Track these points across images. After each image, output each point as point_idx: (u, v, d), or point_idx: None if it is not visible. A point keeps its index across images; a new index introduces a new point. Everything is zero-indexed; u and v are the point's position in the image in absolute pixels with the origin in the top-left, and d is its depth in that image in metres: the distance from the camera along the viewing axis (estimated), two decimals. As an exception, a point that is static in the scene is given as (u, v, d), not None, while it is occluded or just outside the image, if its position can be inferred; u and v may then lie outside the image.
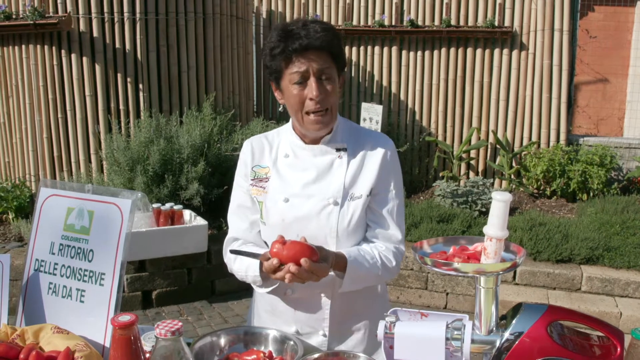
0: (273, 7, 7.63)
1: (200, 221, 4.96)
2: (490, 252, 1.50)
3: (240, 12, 6.59)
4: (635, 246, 4.90)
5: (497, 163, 7.19)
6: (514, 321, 1.52)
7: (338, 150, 1.86)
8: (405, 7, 7.31)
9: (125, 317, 1.64)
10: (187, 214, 5.08)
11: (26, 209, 5.70)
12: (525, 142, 7.11)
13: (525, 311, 1.54)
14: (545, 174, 6.61)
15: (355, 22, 7.43)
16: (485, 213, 5.95)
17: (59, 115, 5.62)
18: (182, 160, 5.31)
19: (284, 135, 1.94)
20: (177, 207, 4.92)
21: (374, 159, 1.86)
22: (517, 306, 1.59)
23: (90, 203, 1.89)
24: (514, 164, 7.12)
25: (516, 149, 7.13)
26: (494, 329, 1.55)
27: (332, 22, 7.50)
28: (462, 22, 7.15)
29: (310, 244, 1.64)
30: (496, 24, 6.96)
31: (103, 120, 5.63)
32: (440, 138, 7.36)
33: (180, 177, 5.30)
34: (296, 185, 1.85)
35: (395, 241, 1.87)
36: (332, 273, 1.74)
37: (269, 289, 1.84)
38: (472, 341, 1.52)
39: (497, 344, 1.51)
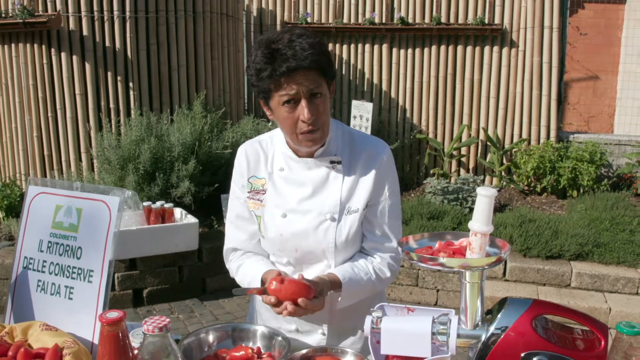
0: (264, 5, 7.63)
1: (191, 219, 4.96)
2: (475, 247, 1.52)
3: (230, 10, 6.59)
4: (624, 242, 4.93)
5: (487, 160, 7.22)
6: (499, 315, 1.54)
7: (332, 162, 1.84)
8: (395, 5, 7.31)
9: (113, 314, 1.65)
10: (178, 212, 5.08)
11: (17, 208, 5.68)
12: (515, 139, 7.14)
13: (510, 305, 1.55)
14: (536, 171, 6.64)
15: (345, 20, 7.43)
16: (475, 210, 5.96)
17: (49, 114, 5.61)
18: (172, 159, 5.31)
19: (278, 144, 1.91)
20: (167, 205, 4.92)
21: (370, 170, 1.84)
22: (503, 301, 1.61)
23: (78, 200, 1.90)
24: (504, 161, 7.15)
25: (507, 146, 7.16)
26: (480, 323, 1.56)
27: (323, 20, 7.51)
28: (452, 20, 7.17)
29: (306, 281, 1.67)
30: (486, 21, 6.97)
31: (93, 118, 5.61)
32: (431, 135, 7.38)
33: (171, 175, 5.30)
34: (293, 201, 1.85)
35: (390, 250, 1.89)
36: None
37: None
38: (458, 335, 1.54)
39: (483, 338, 1.53)
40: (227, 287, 5.19)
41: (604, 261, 4.82)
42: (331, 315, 1.88)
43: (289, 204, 1.85)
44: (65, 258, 1.87)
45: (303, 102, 1.70)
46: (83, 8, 5.41)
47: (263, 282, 1.79)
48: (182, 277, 4.99)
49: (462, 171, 7.34)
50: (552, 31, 6.88)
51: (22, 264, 1.95)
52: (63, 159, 5.69)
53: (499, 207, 6.21)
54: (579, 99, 10.07)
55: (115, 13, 5.51)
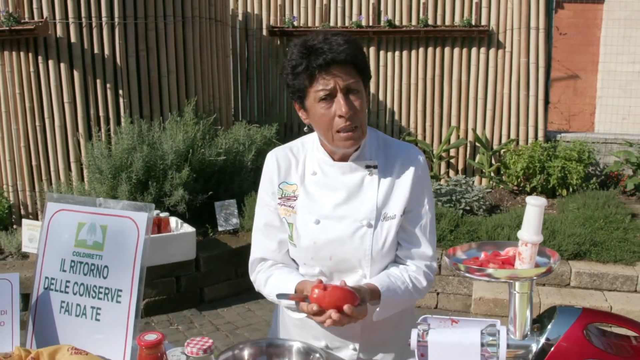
0: (249, 10, 7.57)
1: (188, 228, 4.89)
2: (525, 257, 1.50)
3: (219, 14, 6.52)
4: (619, 240, 4.98)
5: (476, 161, 7.24)
6: (549, 325, 1.52)
7: (368, 167, 1.79)
8: (382, 8, 7.31)
9: (152, 336, 1.60)
10: (174, 221, 5.00)
11: (5, 221, 5.55)
12: (504, 140, 7.18)
13: (560, 315, 1.54)
14: (525, 171, 6.68)
15: (332, 24, 7.41)
16: (469, 211, 5.98)
17: (37, 123, 5.48)
18: (165, 167, 5.23)
19: (310, 148, 1.88)
20: (163, 214, 4.84)
21: (406, 175, 1.80)
22: (551, 310, 1.59)
23: (102, 217, 1.83)
24: (493, 162, 7.18)
25: (495, 147, 7.19)
26: (529, 333, 1.54)
27: (309, 24, 7.48)
28: (439, 22, 7.18)
29: (350, 287, 1.61)
30: (473, 23, 7.00)
31: (83, 127, 5.50)
32: (419, 137, 7.39)
33: (165, 183, 5.22)
34: (327, 206, 1.79)
35: (426, 259, 1.83)
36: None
37: (306, 315, 1.80)
38: (508, 346, 1.51)
39: (534, 348, 1.51)
40: (225, 296, 5.14)
41: (601, 260, 4.85)
42: (363, 330, 1.83)
43: (323, 210, 1.79)
44: (90, 278, 1.81)
45: (340, 97, 1.66)
46: (71, 14, 5.30)
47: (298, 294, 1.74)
48: (180, 287, 4.91)
49: (451, 172, 7.35)
50: (538, 32, 6.93)
51: (43, 284, 1.87)
52: (52, 169, 5.57)
53: (490, 208, 6.23)
54: (560, 98, 10.18)
55: (104, 19, 5.41)
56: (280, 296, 1.68)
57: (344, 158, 1.80)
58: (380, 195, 1.79)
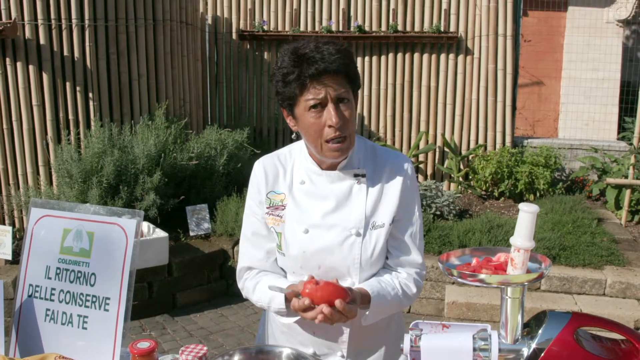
0: (219, 13, 7.53)
1: (160, 233, 4.84)
2: (517, 263, 1.52)
3: (189, 18, 6.47)
4: (588, 244, 5.09)
5: (445, 166, 7.33)
6: (540, 330, 1.55)
7: (356, 176, 1.80)
8: (352, 13, 7.35)
9: (145, 344, 1.58)
10: (145, 226, 4.95)
11: (-30, 226, 5.40)
12: (472, 145, 7.28)
13: (550, 319, 1.57)
14: (494, 176, 6.79)
15: (302, 28, 7.42)
16: (439, 216, 6.04)
17: (4, 126, 5.34)
18: (137, 171, 5.16)
19: (298, 157, 1.87)
20: (135, 219, 4.77)
21: (395, 183, 1.81)
22: (541, 314, 1.62)
23: (89, 224, 1.81)
24: (462, 167, 7.27)
25: (464, 152, 7.29)
26: (520, 338, 1.57)
27: (279, 28, 7.48)
28: (408, 28, 7.25)
29: (341, 285, 1.63)
30: (442, 29, 7.09)
31: (52, 130, 5.39)
32: (389, 142, 7.44)
33: (136, 187, 5.15)
34: (315, 215, 1.79)
35: (416, 266, 1.85)
36: None
37: (295, 319, 1.79)
38: (499, 351, 1.54)
39: (525, 353, 1.54)
40: (198, 301, 5.09)
41: (570, 264, 4.95)
42: (351, 336, 1.83)
43: (312, 219, 1.79)
44: (77, 285, 1.78)
45: (330, 106, 1.67)
46: (40, 16, 5.20)
47: (287, 298, 1.73)
48: (152, 293, 4.85)
49: (420, 177, 7.42)
50: (506, 39, 7.06)
51: (26, 291, 1.84)
52: (19, 172, 5.44)
53: (460, 213, 6.30)
54: (525, 103, 10.35)
55: (74, 21, 5.31)
56: (272, 288, 1.67)
57: (332, 167, 1.81)
58: (369, 203, 1.79)
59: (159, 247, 4.71)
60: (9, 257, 4.77)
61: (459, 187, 7.22)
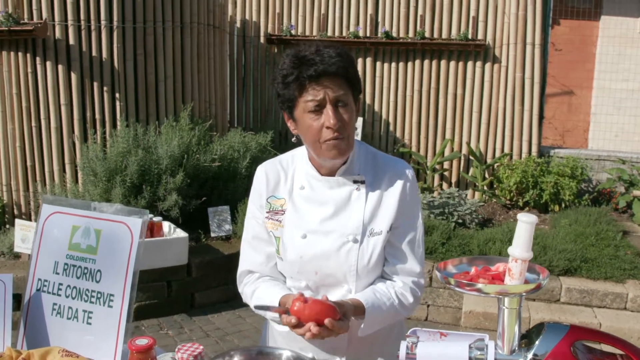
0: (247, 17, 7.60)
1: (181, 233, 4.90)
2: (515, 273, 1.51)
3: (217, 21, 6.55)
4: (610, 257, 5.00)
5: (470, 174, 7.27)
6: (537, 341, 1.53)
7: (356, 182, 1.79)
8: (379, 19, 7.35)
9: (143, 341, 1.61)
10: (167, 225, 5.01)
11: (-2, 220, 5.54)
12: (497, 154, 7.22)
13: (548, 331, 1.55)
14: (518, 185, 6.72)
15: (330, 33, 7.44)
16: (461, 224, 6.00)
17: (33, 124, 5.48)
18: (160, 171, 5.23)
19: (299, 162, 1.87)
20: (156, 219, 4.84)
21: (394, 191, 1.80)
22: (539, 326, 1.60)
23: (97, 221, 1.84)
24: (486, 175, 7.21)
25: (489, 161, 7.23)
26: (516, 348, 1.56)
27: (307, 33, 7.52)
28: (436, 35, 7.23)
29: (331, 302, 1.61)
30: (470, 36, 7.05)
31: (78, 129, 5.50)
32: (414, 149, 7.42)
33: (159, 188, 5.22)
34: (313, 221, 1.79)
35: (414, 275, 1.83)
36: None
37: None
38: (495, 361, 1.53)
39: (521, 364, 1.52)
40: (216, 302, 5.13)
41: (592, 276, 4.87)
42: (350, 344, 1.83)
43: (310, 225, 1.79)
44: (83, 281, 1.82)
45: (329, 108, 1.67)
46: (70, 17, 5.31)
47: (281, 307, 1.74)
48: (171, 292, 4.90)
49: (444, 185, 7.38)
50: (534, 47, 6.99)
51: (35, 286, 1.88)
52: (47, 170, 5.56)
53: (483, 221, 6.26)
54: (554, 113, 10.22)
55: (103, 23, 5.42)
56: (259, 308, 1.69)
57: (331, 172, 1.81)
58: (368, 210, 1.78)
59: (179, 247, 4.76)
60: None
61: (483, 195, 7.16)
